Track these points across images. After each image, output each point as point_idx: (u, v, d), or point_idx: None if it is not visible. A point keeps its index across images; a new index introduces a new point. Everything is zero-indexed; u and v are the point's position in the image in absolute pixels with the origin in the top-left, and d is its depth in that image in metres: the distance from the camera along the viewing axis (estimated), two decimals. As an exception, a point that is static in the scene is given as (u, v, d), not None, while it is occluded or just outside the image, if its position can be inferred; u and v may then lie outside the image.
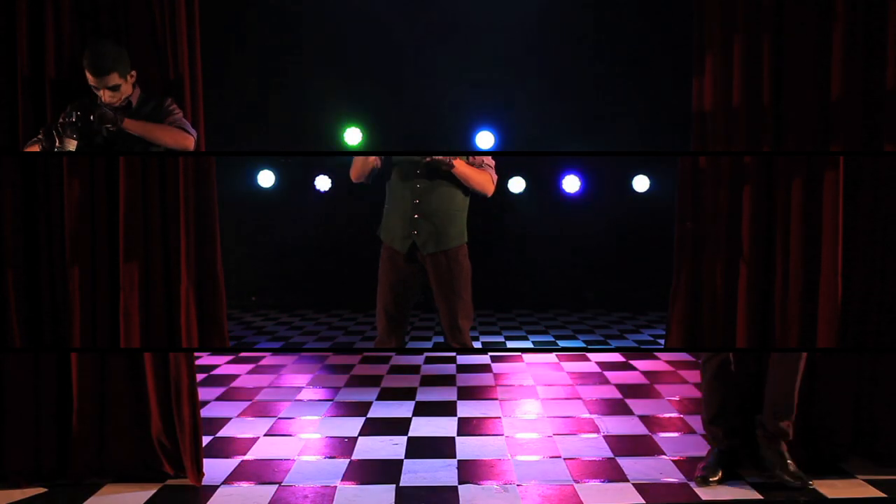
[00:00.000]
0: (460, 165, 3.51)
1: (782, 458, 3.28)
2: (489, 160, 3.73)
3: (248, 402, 4.78)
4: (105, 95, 3.26)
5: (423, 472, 3.49)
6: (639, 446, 3.85)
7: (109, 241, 3.32)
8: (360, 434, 4.09)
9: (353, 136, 8.65)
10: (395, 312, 3.36)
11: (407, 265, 3.36)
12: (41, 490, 3.30)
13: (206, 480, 3.39)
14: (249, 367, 5.81)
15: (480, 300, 8.82)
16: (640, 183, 8.80)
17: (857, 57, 3.33)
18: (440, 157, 3.41)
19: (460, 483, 3.38)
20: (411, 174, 3.35)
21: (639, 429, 4.14)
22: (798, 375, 3.26)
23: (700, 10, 3.40)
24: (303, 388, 5.17)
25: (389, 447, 3.85)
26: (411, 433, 4.08)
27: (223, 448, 3.89)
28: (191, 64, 3.35)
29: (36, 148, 3.12)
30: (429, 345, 6.73)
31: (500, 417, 4.39)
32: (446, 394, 4.91)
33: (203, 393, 4.52)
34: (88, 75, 3.23)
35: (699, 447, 3.73)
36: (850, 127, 3.34)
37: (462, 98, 8.16)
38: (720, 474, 3.33)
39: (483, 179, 3.60)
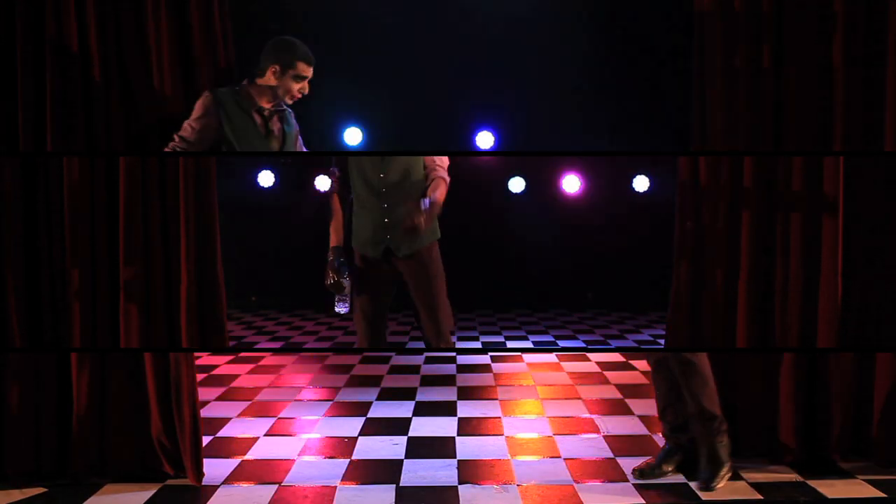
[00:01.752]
0: (433, 207, 3.33)
1: (708, 450, 3.26)
2: (441, 162, 3.57)
3: (248, 402, 4.78)
4: (298, 89, 3.26)
5: (423, 472, 3.49)
6: (639, 446, 3.85)
7: (109, 241, 3.32)
8: (360, 434, 4.10)
9: (353, 136, 8.65)
10: (373, 317, 3.35)
11: (381, 267, 3.34)
12: (41, 490, 3.30)
13: (206, 480, 3.39)
14: (249, 367, 5.81)
15: (480, 300, 8.82)
16: (640, 183, 8.80)
17: (857, 56, 3.33)
18: (411, 223, 3.26)
19: (460, 483, 3.38)
20: (375, 179, 3.31)
21: (639, 429, 4.14)
22: (698, 376, 3.25)
23: (700, 9, 3.40)
24: (303, 388, 5.17)
25: (389, 447, 3.86)
26: (411, 433, 4.08)
27: (223, 448, 3.89)
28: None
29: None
30: (428, 345, 6.73)
31: (500, 417, 4.39)
32: (446, 394, 4.91)
33: (203, 393, 4.52)
34: (301, 65, 3.23)
35: (699, 447, 3.73)
36: (850, 127, 3.34)
37: (462, 98, 8.15)
38: (657, 471, 3.36)
39: (443, 191, 3.45)
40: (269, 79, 3.25)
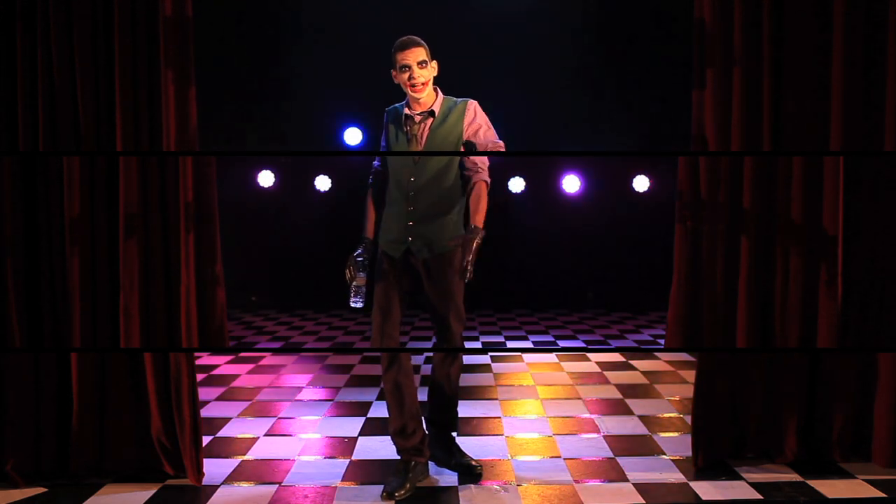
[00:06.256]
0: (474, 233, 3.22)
1: (458, 447, 3.52)
2: (482, 162, 3.51)
3: (248, 402, 4.78)
4: (406, 79, 3.27)
5: (423, 472, 3.49)
6: (639, 446, 3.85)
7: (109, 241, 3.32)
8: (360, 434, 4.10)
9: (352, 136, 8.65)
10: (389, 313, 3.35)
11: (401, 267, 3.35)
12: (41, 490, 3.30)
13: (206, 480, 3.39)
14: (249, 367, 5.81)
15: (480, 300, 8.82)
16: (640, 183, 8.80)
17: (856, 60, 3.34)
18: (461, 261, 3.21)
19: (460, 483, 3.38)
20: (406, 181, 3.33)
21: (639, 429, 4.14)
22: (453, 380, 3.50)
23: (700, 16, 3.40)
24: (303, 388, 5.17)
25: (389, 447, 3.84)
26: (411, 433, 4.07)
27: (223, 448, 3.89)
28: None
29: None
30: (429, 345, 6.73)
31: (500, 417, 4.39)
32: (446, 394, 4.90)
33: (203, 393, 4.52)
34: (396, 56, 3.27)
35: (699, 447, 3.72)
36: (849, 126, 3.34)
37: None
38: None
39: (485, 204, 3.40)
40: (398, 80, 3.34)
